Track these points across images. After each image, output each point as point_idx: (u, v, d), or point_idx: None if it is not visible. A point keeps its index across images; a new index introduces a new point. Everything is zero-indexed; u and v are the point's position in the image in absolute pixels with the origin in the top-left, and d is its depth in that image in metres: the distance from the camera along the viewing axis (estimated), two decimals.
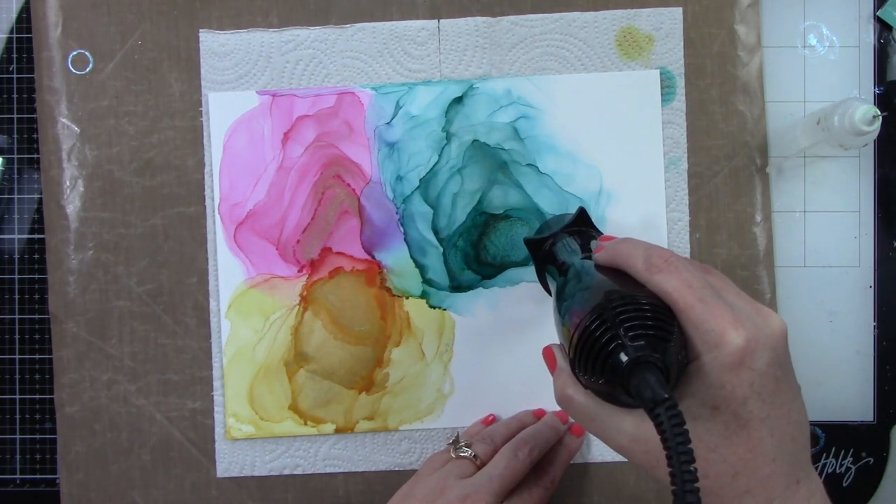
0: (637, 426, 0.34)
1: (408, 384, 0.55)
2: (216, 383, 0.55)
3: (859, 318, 0.56)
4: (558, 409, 0.54)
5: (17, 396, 0.57)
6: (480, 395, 0.55)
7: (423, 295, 0.55)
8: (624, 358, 0.31)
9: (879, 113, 0.46)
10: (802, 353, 0.56)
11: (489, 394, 0.55)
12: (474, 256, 0.55)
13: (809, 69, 0.56)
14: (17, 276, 0.57)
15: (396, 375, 0.55)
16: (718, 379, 0.32)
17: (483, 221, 0.55)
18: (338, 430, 0.55)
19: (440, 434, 0.55)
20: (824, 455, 0.56)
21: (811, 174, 0.56)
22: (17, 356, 0.57)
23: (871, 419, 0.56)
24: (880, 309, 0.56)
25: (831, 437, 0.56)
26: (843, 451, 0.56)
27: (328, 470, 0.55)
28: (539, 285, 0.50)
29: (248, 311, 0.55)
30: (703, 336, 0.32)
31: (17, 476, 0.57)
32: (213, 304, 0.55)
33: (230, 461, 0.55)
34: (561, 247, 0.46)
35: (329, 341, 0.55)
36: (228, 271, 0.55)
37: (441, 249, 0.55)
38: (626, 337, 0.31)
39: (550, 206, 0.55)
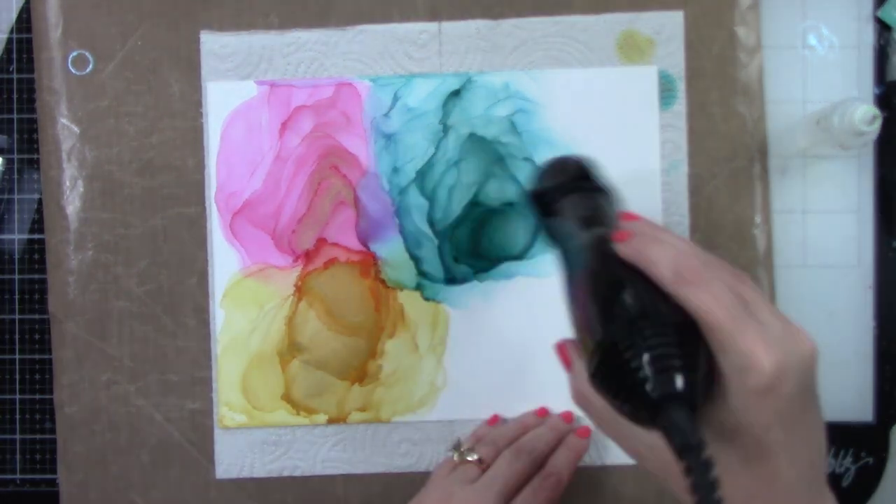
0: (657, 439, 0.32)
1: (401, 376, 0.55)
2: (215, 384, 0.55)
3: (859, 318, 0.56)
4: (556, 406, 0.54)
5: (17, 396, 0.57)
6: (473, 388, 0.55)
7: (418, 287, 0.55)
8: (651, 392, 0.28)
9: (879, 113, 0.46)
10: None
11: (482, 387, 0.55)
12: (469, 249, 0.55)
13: (809, 69, 0.56)
14: (17, 276, 0.57)
15: (389, 367, 0.55)
16: (743, 404, 0.30)
17: (479, 215, 0.55)
18: (330, 421, 0.55)
19: (439, 435, 0.55)
20: None
21: (811, 174, 0.56)
22: (17, 356, 0.57)
23: (871, 419, 0.56)
24: (880, 309, 0.56)
25: (831, 437, 0.55)
26: (842, 451, 0.56)
27: (327, 471, 0.55)
28: (533, 279, 0.49)
29: (242, 300, 0.55)
30: (731, 358, 0.30)
31: (17, 476, 0.57)
32: (211, 303, 0.55)
33: (230, 462, 0.55)
34: (570, 208, 0.40)
35: (323, 332, 0.55)
36: (223, 260, 0.55)
37: (436, 242, 0.55)
38: (653, 368, 0.28)
39: None
